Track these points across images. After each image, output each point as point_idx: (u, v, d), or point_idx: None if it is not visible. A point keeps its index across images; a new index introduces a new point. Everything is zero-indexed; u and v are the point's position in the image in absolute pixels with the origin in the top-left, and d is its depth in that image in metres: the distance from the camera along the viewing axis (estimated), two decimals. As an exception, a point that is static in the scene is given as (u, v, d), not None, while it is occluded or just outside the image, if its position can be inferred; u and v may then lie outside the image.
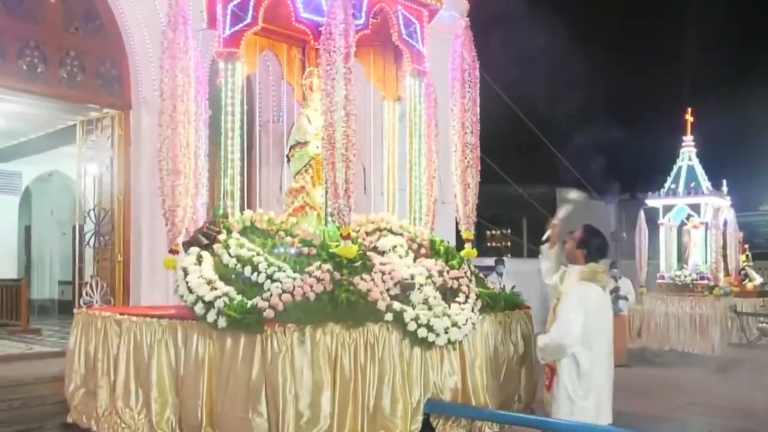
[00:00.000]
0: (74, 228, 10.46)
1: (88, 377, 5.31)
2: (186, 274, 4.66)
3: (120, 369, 5.00)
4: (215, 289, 4.44)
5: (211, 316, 4.30)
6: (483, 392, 5.01)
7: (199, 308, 4.40)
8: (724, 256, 13.10)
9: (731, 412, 7.30)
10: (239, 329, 4.20)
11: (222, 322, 4.23)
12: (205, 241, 4.91)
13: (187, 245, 4.97)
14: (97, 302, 6.12)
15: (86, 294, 6.48)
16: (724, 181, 13.59)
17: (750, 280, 14.32)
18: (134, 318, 5.00)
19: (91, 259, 9.13)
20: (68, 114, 9.57)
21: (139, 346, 4.91)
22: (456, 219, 5.86)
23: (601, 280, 4.18)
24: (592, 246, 4.25)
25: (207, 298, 4.38)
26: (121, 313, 5.19)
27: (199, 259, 4.78)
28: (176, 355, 4.68)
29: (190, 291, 4.52)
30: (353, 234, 4.83)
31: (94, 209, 9.08)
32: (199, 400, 4.43)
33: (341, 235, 4.66)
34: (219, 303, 4.30)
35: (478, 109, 5.73)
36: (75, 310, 5.65)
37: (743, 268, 14.43)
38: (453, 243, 5.78)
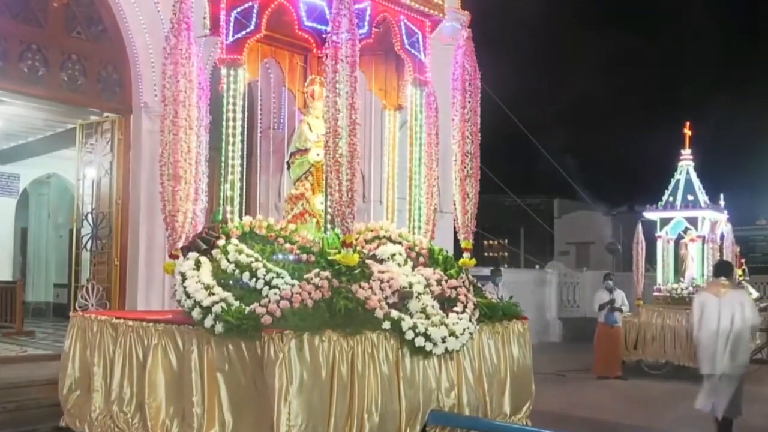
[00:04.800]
0: (71, 231, 10.44)
1: (82, 381, 5.29)
2: (184, 278, 4.65)
3: (115, 373, 4.99)
4: (213, 294, 4.43)
5: (208, 322, 4.28)
6: (480, 402, 5.00)
7: (196, 313, 4.38)
8: (721, 270, 13.07)
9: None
10: (236, 335, 4.19)
11: (219, 328, 4.21)
12: (204, 247, 4.89)
13: (185, 250, 4.96)
14: (92, 306, 6.08)
15: (82, 297, 6.44)
16: (722, 195, 13.61)
17: (746, 295, 14.30)
18: (130, 322, 4.99)
19: (87, 262, 9.11)
20: (68, 117, 9.59)
21: (134, 351, 4.88)
22: (455, 228, 5.86)
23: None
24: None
25: (204, 303, 4.36)
26: (117, 317, 5.18)
27: (198, 264, 4.76)
28: (172, 359, 4.66)
29: (188, 296, 4.50)
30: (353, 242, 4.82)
31: (92, 212, 9.07)
32: (195, 406, 4.40)
33: (343, 242, 4.65)
34: (216, 308, 4.29)
35: (478, 119, 5.74)
36: (71, 313, 5.62)
37: (740, 283, 14.43)
38: (451, 252, 5.77)
